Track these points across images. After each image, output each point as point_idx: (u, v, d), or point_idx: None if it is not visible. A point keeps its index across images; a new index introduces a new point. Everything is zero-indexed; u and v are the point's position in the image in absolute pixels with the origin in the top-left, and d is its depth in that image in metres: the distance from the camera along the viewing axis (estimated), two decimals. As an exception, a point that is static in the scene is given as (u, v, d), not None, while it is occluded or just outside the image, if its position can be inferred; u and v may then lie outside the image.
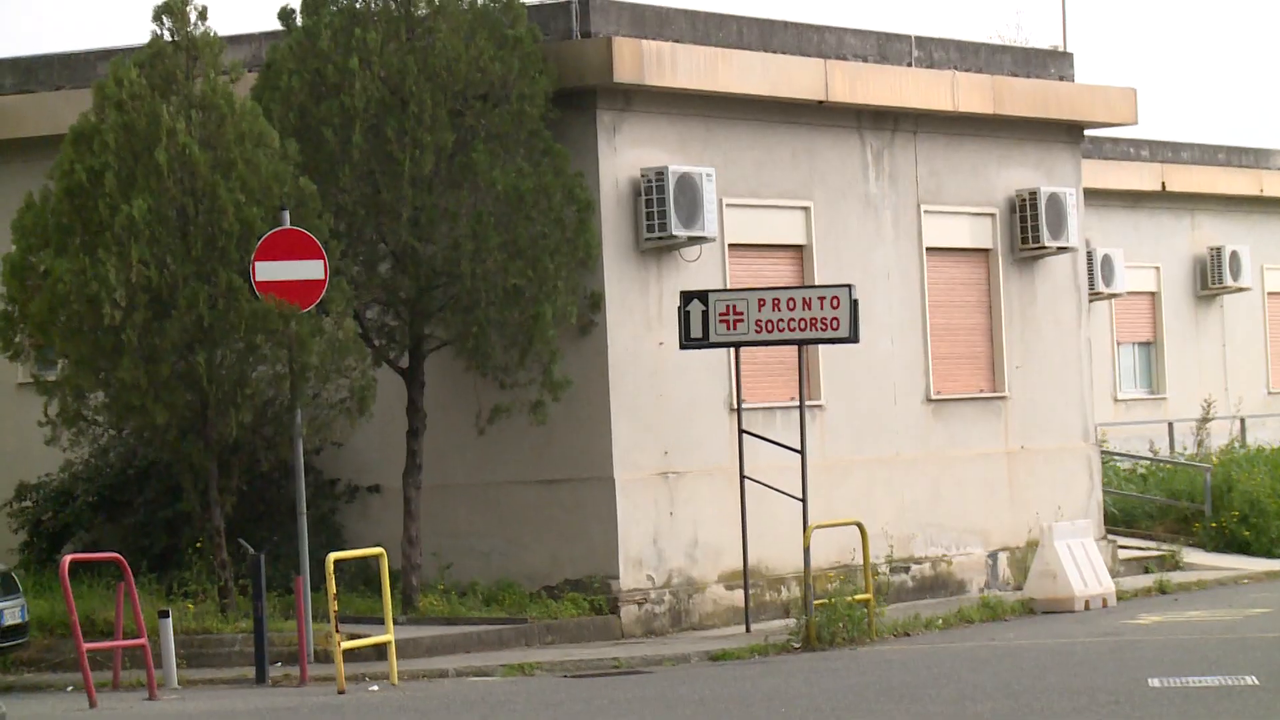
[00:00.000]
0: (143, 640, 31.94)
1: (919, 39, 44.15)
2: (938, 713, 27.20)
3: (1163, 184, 60.00)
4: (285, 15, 37.09)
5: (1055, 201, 45.91)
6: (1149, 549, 48.22)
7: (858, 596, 36.75)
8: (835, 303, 36.75)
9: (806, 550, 36.58)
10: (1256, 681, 28.44)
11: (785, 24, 41.73)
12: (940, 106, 43.66)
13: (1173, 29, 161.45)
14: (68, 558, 33.11)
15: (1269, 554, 49.46)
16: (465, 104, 36.23)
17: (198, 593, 34.69)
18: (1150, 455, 55.35)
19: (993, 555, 43.59)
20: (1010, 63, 46.21)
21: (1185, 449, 56.70)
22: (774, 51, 40.76)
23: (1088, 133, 48.48)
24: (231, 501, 35.25)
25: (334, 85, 36.17)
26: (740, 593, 38.05)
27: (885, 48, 43.24)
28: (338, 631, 31.60)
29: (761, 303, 36.69)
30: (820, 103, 41.41)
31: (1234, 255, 62.68)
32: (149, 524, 36.19)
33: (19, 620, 31.01)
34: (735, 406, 37.88)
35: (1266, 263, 64.43)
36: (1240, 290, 63.19)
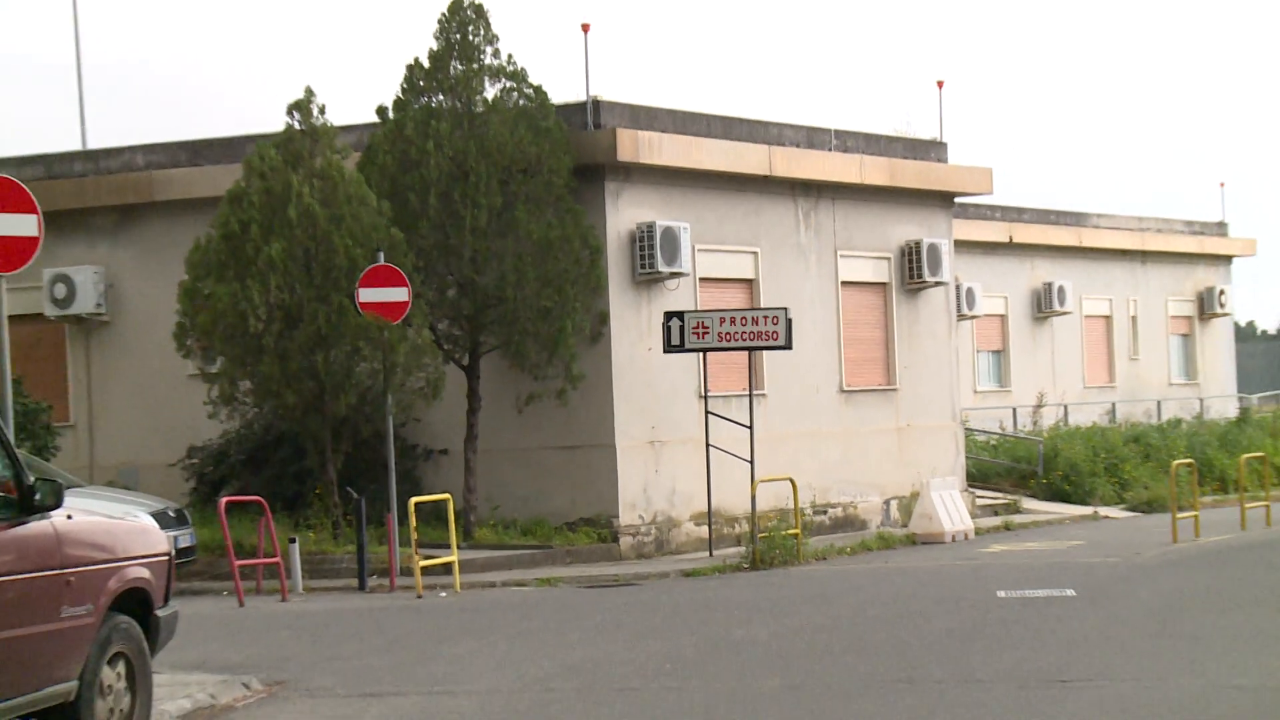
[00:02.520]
0: (277, 559, 33.66)
1: (837, 131, 44.99)
2: (845, 613, 28.14)
3: (1010, 237, 60.73)
4: (381, 111, 38.31)
5: (933, 249, 46.81)
6: (998, 499, 49.07)
7: (789, 531, 38.18)
8: (775, 320, 37.82)
9: (753, 498, 37.97)
10: (1073, 593, 29.38)
11: (740, 119, 42.54)
12: (851, 180, 44.52)
13: (1021, 120, 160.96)
14: (224, 499, 34.92)
15: (1083, 502, 50.25)
16: (510, 175, 37.30)
17: (317, 525, 36.23)
18: (999, 431, 56.13)
19: (886, 502, 44.63)
20: (901, 149, 46.96)
21: (1024, 427, 57.36)
22: (732, 139, 41.66)
23: (957, 199, 48.90)
24: (341, 460, 36.54)
25: (415, 162, 37.26)
26: (706, 528, 39.34)
27: (813, 137, 44.09)
28: (417, 553, 33.29)
29: (722, 320, 37.79)
30: (765, 176, 42.21)
31: (1060, 289, 63.32)
32: (282, 476, 37.42)
33: (189, 544, 32.35)
34: (703, 394, 38.94)
35: (1084, 294, 64.87)
36: (1064, 314, 63.82)
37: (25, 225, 21.75)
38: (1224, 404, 70.32)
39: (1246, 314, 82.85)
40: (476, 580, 33.99)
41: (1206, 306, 72.44)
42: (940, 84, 47.78)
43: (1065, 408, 61.06)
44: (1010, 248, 61.04)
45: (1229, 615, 25.85)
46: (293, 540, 34.11)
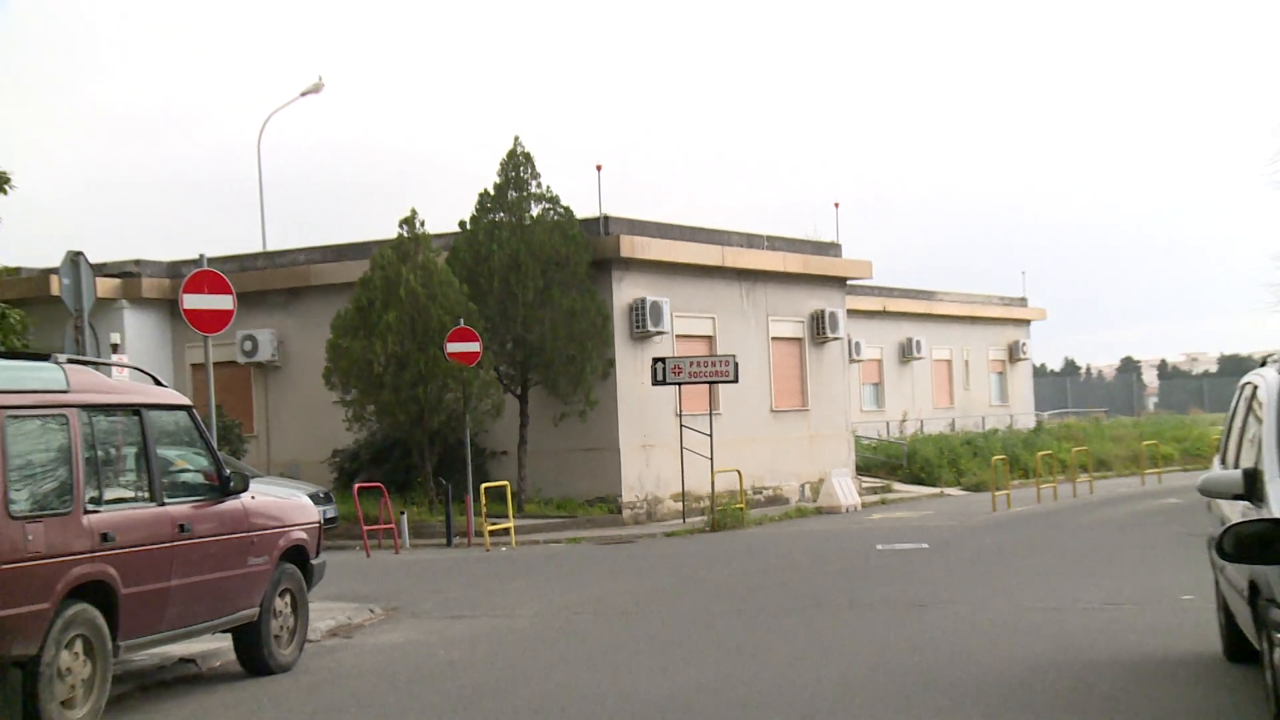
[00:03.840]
0: (392, 525, 33.39)
1: (768, 236, 44.85)
2: (773, 561, 28.14)
3: (884, 307, 60.41)
4: (462, 224, 38.34)
5: (832, 315, 46.65)
6: (876, 483, 48.18)
7: (736, 505, 37.92)
8: (726, 364, 37.65)
9: (712, 483, 37.83)
10: (927, 545, 29.33)
11: (703, 228, 42.48)
12: (777, 269, 44.25)
13: (895, 224, 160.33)
14: (356, 485, 35.10)
15: (934, 485, 49.76)
16: (548, 267, 37.15)
17: (419, 502, 36.18)
18: (877, 438, 55.75)
19: (802, 486, 44.23)
20: (811, 248, 46.75)
21: (894, 435, 56.95)
22: (697, 242, 41.51)
23: (848, 282, 48.67)
24: (435, 459, 36.61)
25: (484, 258, 37.29)
26: (680, 504, 38.92)
27: (752, 240, 43.91)
28: (485, 520, 33.04)
29: (691, 363, 37.64)
30: (720, 267, 42.07)
31: (917, 341, 62.95)
32: (395, 469, 37.30)
33: (333, 515, 32.17)
34: (678, 413, 38.68)
35: (933, 346, 64.58)
36: (920, 359, 63.46)
37: (224, 302, 21.79)
38: (1026, 419, 70.31)
39: (1040, 358, 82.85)
40: (526, 539, 33.84)
41: (1014, 354, 72.41)
42: (837, 205, 48.29)
43: (921, 422, 60.82)
44: (884, 314, 60.85)
45: (1029, 559, 25.99)
46: (402, 513, 34.04)
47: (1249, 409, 13.18)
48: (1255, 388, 13.03)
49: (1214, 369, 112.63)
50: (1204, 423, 69.49)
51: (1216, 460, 15.03)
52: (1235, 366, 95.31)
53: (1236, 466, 12.72)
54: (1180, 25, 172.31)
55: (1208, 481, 12.75)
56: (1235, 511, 11.66)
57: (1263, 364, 13.71)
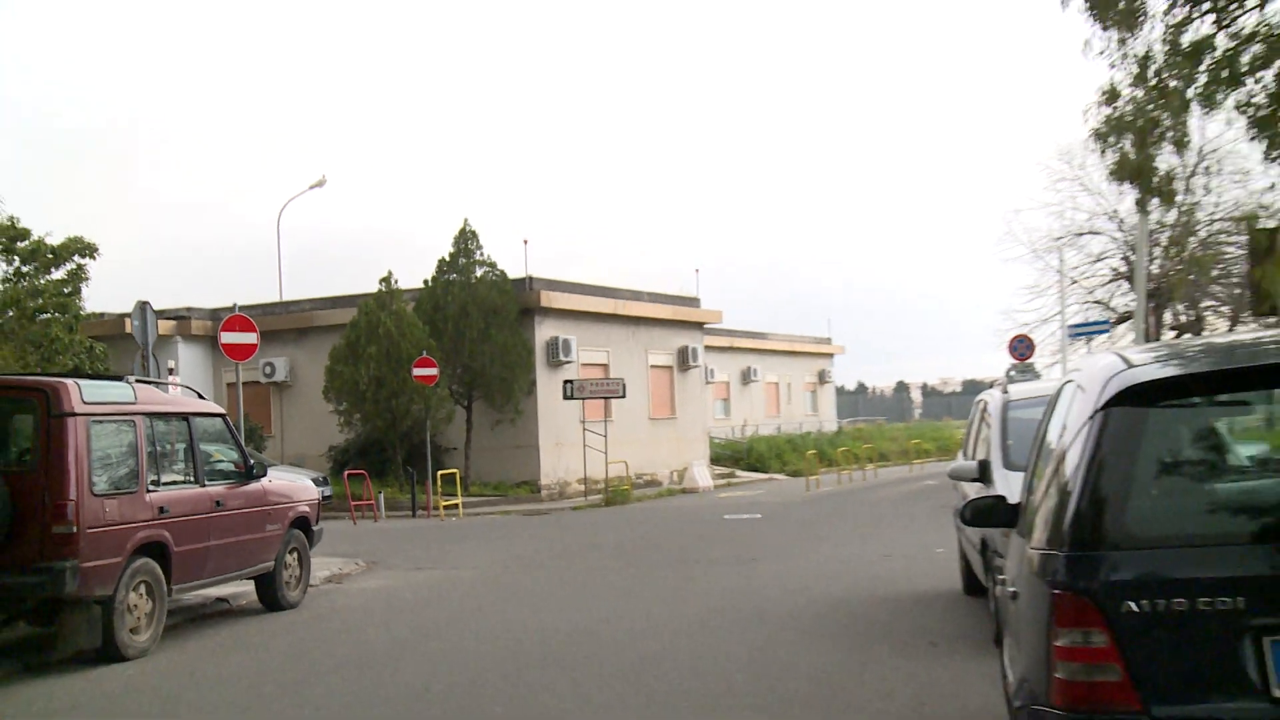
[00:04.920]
0: (372, 501, 32.90)
1: (648, 292, 44.59)
2: (650, 528, 28.06)
3: (730, 344, 60.29)
4: (425, 282, 37.76)
5: (694, 350, 46.68)
6: (725, 471, 47.91)
7: (624, 487, 37.53)
8: (617, 385, 37.76)
9: (606, 471, 37.68)
10: (760, 516, 29.04)
11: (601, 286, 42.24)
12: (654, 316, 44.20)
13: (738, 280, 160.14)
14: (346, 472, 34.24)
15: (766, 472, 49.57)
16: (487, 313, 36.89)
17: (393, 485, 35.36)
18: (725, 438, 55.49)
19: (671, 473, 44.03)
20: (678, 301, 46.78)
21: (738, 437, 56.79)
22: (597, 296, 41.46)
23: (705, 325, 48.73)
24: (404, 453, 36.01)
25: (441, 306, 37.00)
26: (583, 486, 38.53)
27: (636, 295, 43.82)
28: (440, 498, 32.32)
29: (592, 384, 37.47)
30: (613, 314, 41.98)
31: (754, 369, 63.03)
32: (375, 461, 36.60)
33: (328, 494, 31.26)
34: (582, 420, 38.39)
35: (766, 372, 64.71)
36: (756, 381, 63.50)
37: (251, 338, 21.79)
38: (830, 425, 70.43)
39: (840, 381, 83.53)
40: (470, 512, 33.31)
41: (822, 378, 72.68)
42: (697, 270, 48.82)
43: (757, 427, 60.70)
44: (731, 349, 60.67)
45: (831, 525, 25.87)
46: (379, 492, 33.45)
47: (982, 419, 13.67)
48: (986, 404, 13.67)
49: (960, 389, 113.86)
50: (952, 428, 70.14)
51: (960, 454, 15.37)
52: (974, 388, 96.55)
53: (973, 459, 13.06)
54: (941, 134, 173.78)
55: (954, 469, 13.15)
56: (972, 490, 11.99)
57: (990, 387, 14.23)
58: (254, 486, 15.11)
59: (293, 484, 16.70)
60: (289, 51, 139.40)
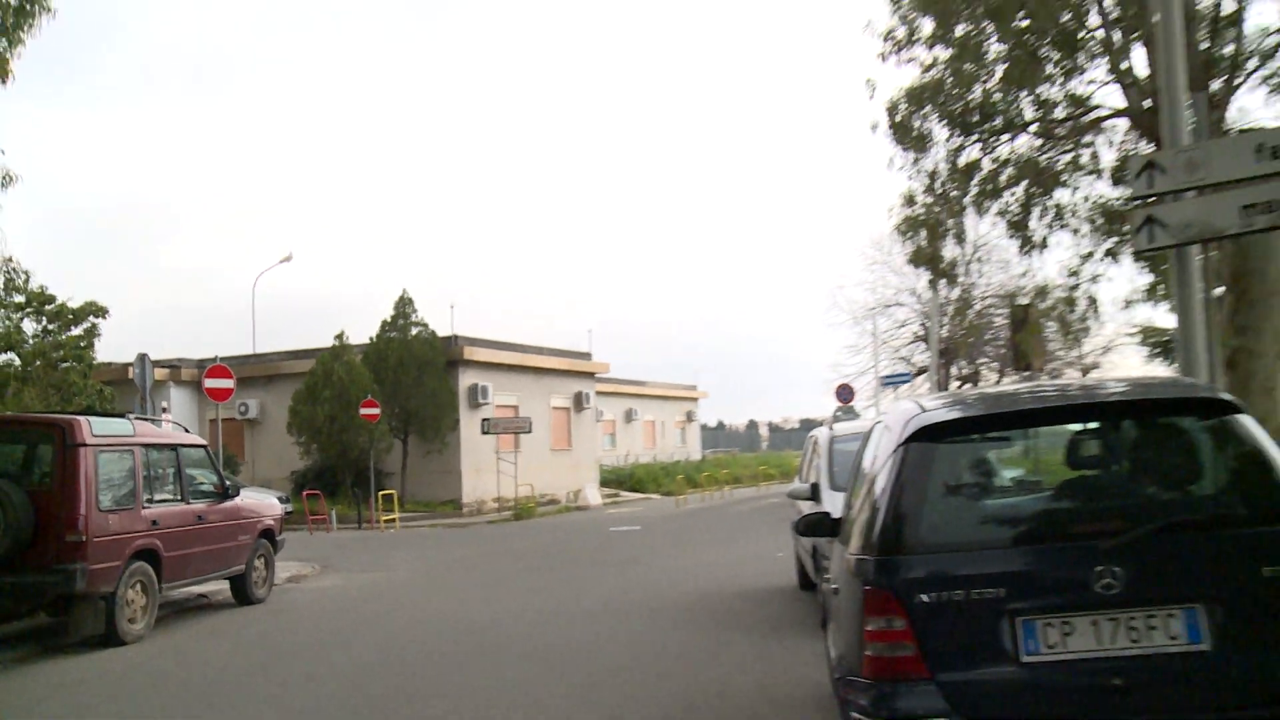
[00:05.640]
0: (325, 516, 32.24)
1: (550, 348, 44.53)
2: (549, 537, 27.80)
3: (616, 390, 60.20)
4: (371, 339, 37.32)
5: (587, 394, 46.64)
6: (611, 492, 47.73)
7: (530, 504, 37.20)
8: (525, 422, 37.47)
9: (516, 492, 37.13)
10: (640, 527, 28.93)
11: (513, 342, 42.08)
12: (554, 367, 44.48)
13: (625, 335, 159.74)
14: (304, 492, 33.82)
15: (646, 493, 49.24)
16: (420, 364, 36.64)
17: (343, 502, 34.75)
18: (612, 465, 55.23)
19: (569, 493, 43.65)
20: (574, 356, 46.58)
21: (622, 464, 56.53)
22: (509, 350, 41.24)
23: (596, 375, 48.66)
24: (351, 476, 35.43)
25: (384, 358, 36.65)
26: (497, 504, 38.15)
27: (540, 349, 43.62)
28: (381, 513, 31.71)
29: (505, 422, 37.11)
30: (522, 365, 41.80)
31: (634, 410, 62.90)
32: (328, 483, 36.07)
33: (290, 510, 30.52)
34: (497, 451, 38.19)
35: (643, 413, 64.73)
36: (636, 420, 63.45)
37: (228, 383, 21.48)
38: (696, 454, 70.63)
39: (704, 419, 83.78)
40: (405, 526, 32.80)
41: (690, 417, 72.75)
42: (590, 330, 49.00)
43: (638, 456, 60.70)
44: (617, 394, 60.68)
45: (697, 535, 25.79)
46: (332, 509, 33.03)
47: (814, 450, 13.83)
48: (817, 438, 13.81)
49: (798, 426, 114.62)
50: (792, 457, 70.38)
51: (797, 478, 15.52)
52: (809, 425, 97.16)
53: (807, 482, 13.22)
54: (787, 222, 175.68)
55: (791, 490, 13.28)
56: (806, 507, 12.11)
57: (821, 425, 14.48)
58: (229, 504, 14.95)
59: (260, 502, 16.52)
60: (267, 152, 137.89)
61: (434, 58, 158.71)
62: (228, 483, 15.08)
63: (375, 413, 33.25)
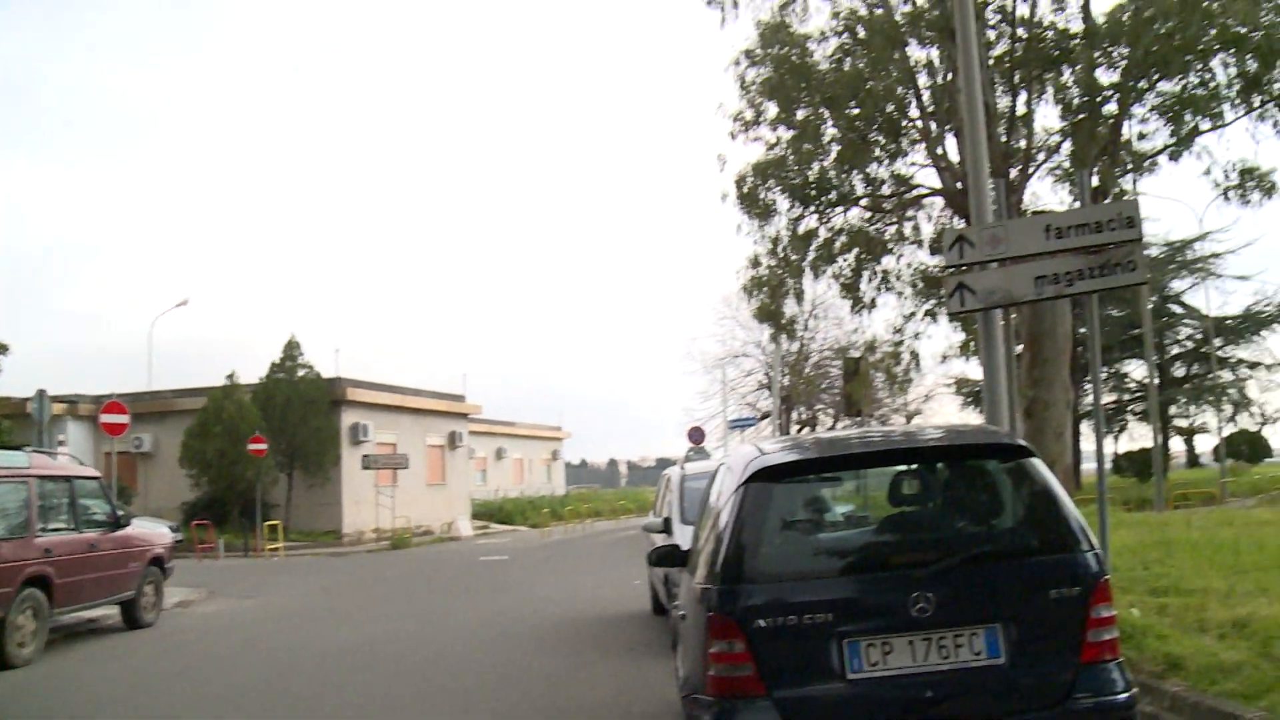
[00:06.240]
0: (213, 545, 31.40)
1: (427, 390, 44.07)
2: (427, 566, 27.57)
3: (488, 430, 59.80)
4: (261, 379, 36.64)
5: (460, 434, 46.29)
6: (481, 524, 47.15)
7: (406, 535, 36.73)
8: (403, 459, 37.09)
9: (393, 524, 36.39)
10: (508, 557, 28.75)
11: (391, 384, 41.54)
12: (430, 408, 43.83)
13: (497, 376, 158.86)
14: (194, 522, 33.00)
15: (513, 525, 48.84)
16: (305, 404, 36.04)
17: (231, 532, 33.74)
18: (483, 499, 54.60)
19: (442, 525, 42.98)
20: (449, 398, 46.20)
21: (492, 498, 55.90)
22: (389, 392, 40.70)
23: (469, 415, 48.29)
24: (239, 508, 34.47)
25: (272, 397, 36.04)
26: (375, 535, 37.47)
27: (418, 392, 43.20)
28: (266, 542, 30.92)
29: (384, 459, 36.56)
30: (400, 406, 41.34)
31: (504, 449, 62.56)
32: (217, 513, 34.81)
33: (180, 539, 29.25)
34: (376, 485, 37.64)
35: (512, 452, 64.45)
36: (506, 457, 63.05)
37: (124, 419, 21.01)
38: (560, 490, 70.46)
39: (569, 457, 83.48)
40: (289, 554, 32.06)
41: (555, 456, 72.63)
42: (464, 374, 48.76)
43: (507, 491, 60.22)
44: (489, 434, 60.24)
45: (561, 564, 25.80)
46: (220, 538, 32.05)
47: (667, 487, 13.95)
48: (670, 476, 13.95)
49: (654, 464, 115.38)
50: (648, 493, 70.84)
51: (652, 513, 15.62)
52: (664, 464, 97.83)
53: (661, 517, 13.30)
54: (647, 280, 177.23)
55: (646, 524, 13.39)
56: (659, 539, 12.16)
57: (674, 465, 14.59)
58: (120, 533, 14.50)
59: (151, 531, 16.17)
60: (164, 200, 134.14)
61: (317, 110, 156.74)
62: (119, 513, 14.65)
63: (263, 448, 32.53)
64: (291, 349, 37.19)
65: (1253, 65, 18.60)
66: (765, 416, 44.26)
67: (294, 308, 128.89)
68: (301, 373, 36.92)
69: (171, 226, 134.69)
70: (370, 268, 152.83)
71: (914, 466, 5.46)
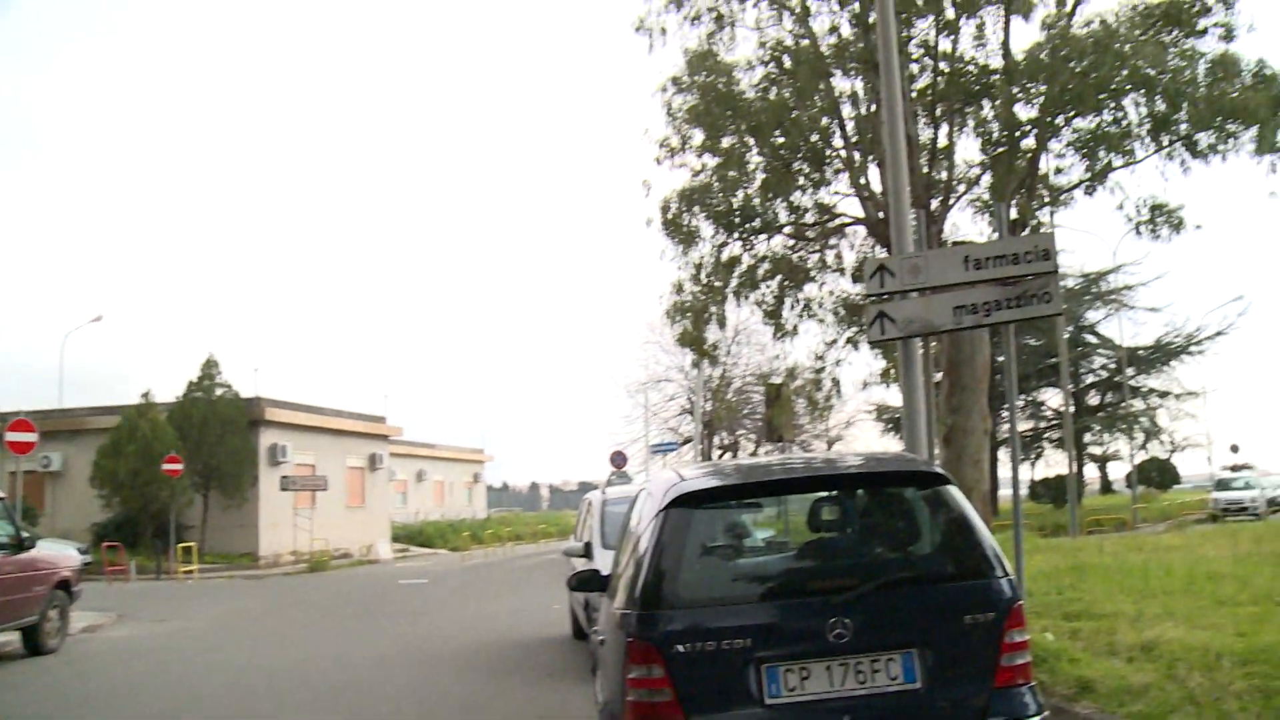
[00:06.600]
0: (125, 567, 30.74)
1: (349, 411, 43.48)
2: (343, 589, 27.02)
3: (409, 451, 59.26)
4: (178, 398, 36.15)
5: (381, 455, 45.94)
6: (401, 547, 46.78)
7: (324, 557, 36.24)
8: (322, 480, 36.74)
9: (311, 546, 35.87)
10: (427, 580, 28.47)
11: (311, 405, 41.11)
12: (350, 429, 43.31)
13: (426, 399, 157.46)
14: (105, 544, 32.01)
15: (433, 548, 48.42)
16: (223, 423, 35.66)
17: (143, 554, 32.93)
18: (403, 522, 54.03)
19: (361, 547, 42.42)
20: (369, 420, 45.73)
21: (412, 521, 55.42)
22: (308, 412, 40.31)
23: (390, 437, 47.84)
24: (152, 529, 33.84)
25: (189, 417, 35.64)
26: (294, 557, 36.90)
27: (339, 412, 42.67)
28: (180, 565, 30.21)
29: (304, 481, 35.96)
30: (320, 427, 40.67)
31: (424, 470, 62.11)
32: (129, 535, 34.04)
33: (89, 561, 28.44)
34: (294, 507, 37.12)
35: (432, 474, 63.89)
36: (427, 480, 62.55)
37: (31, 437, 20.58)
38: (481, 513, 70.07)
39: (490, 481, 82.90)
40: (204, 577, 31.37)
41: (476, 478, 72.06)
42: (386, 395, 48.24)
43: (427, 514, 59.72)
44: (410, 456, 59.67)
45: (479, 587, 25.56)
46: (132, 560, 31.22)
47: (588, 511, 13.92)
48: (591, 501, 13.92)
49: (576, 488, 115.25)
50: (570, 517, 70.68)
51: (572, 537, 15.55)
52: (587, 487, 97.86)
53: (581, 541, 13.26)
54: (571, 306, 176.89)
55: (567, 548, 13.35)
56: (580, 564, 12.12)
57: (596, 489, 14.57)
58: (24, 556, 14.09)
59: (58, 554, 15.75)
60: (76, 214, 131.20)
61: (235, 126, 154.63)
62: (24, 534, 14.20)
63: (178, 468, 31.95)
64: (209, 368, 36.60)
65: (1161, 106, 19.18)
66: (687, 441, 44.40)
67: (213, 326, 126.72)
68: (219, 392, 36.37)
69: (84, 240, 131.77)
70: (291, 287, 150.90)
71: (834, 493, 5.46)
